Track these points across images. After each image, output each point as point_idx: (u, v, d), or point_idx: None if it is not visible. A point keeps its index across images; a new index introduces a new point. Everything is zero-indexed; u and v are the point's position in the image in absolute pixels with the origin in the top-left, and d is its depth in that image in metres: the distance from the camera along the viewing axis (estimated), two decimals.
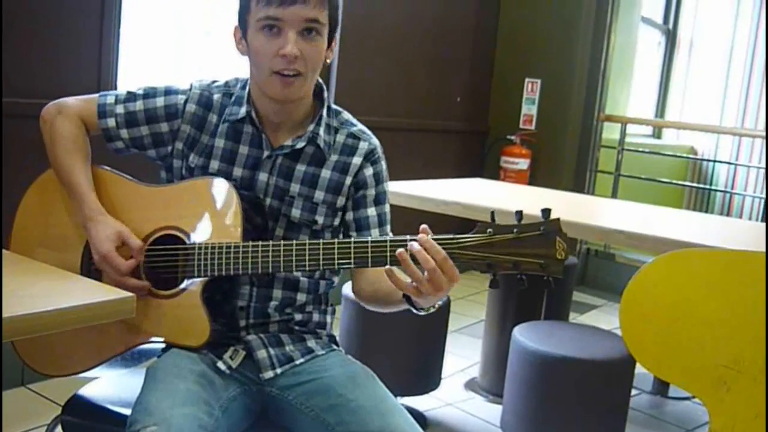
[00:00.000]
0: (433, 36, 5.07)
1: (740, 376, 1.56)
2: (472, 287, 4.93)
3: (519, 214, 1.42)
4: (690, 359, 1.62)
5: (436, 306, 1.50)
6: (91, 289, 1.37)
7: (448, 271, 1.38)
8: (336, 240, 1.48)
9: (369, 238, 1.46)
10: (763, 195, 6.83)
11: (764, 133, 6.86)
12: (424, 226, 1.42)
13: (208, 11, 3.78)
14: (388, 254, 1.43)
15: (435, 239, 1.40)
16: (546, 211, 1.41)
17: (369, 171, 1.70)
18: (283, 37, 1.53)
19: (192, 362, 1.54)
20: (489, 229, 1.40)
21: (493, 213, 1.44)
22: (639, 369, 2.41)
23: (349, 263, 1.46)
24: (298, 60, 1.54)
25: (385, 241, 1.44)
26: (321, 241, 1.48)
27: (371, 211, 1.70)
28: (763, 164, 7.16)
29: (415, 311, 1.52)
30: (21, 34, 2.87)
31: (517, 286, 1.41)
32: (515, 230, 1.39)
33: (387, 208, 1.74)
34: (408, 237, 1.42)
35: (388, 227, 1.73)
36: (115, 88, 3.14)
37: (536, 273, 1.40)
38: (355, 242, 1.46)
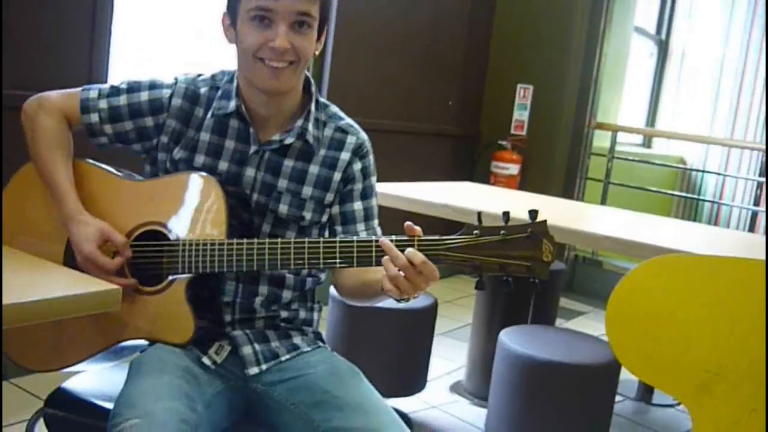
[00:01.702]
0: (426, 39, 5.08)
1: (723, 381, 1.57)
2: (459, 291, 4.93)
3: (506, 215, 1.41)
4: (674, 364, 1.63)
5: (416, 296, 1.49)
6: (77, 280, 1.36)
7: (428, 274, 1.38)
8: (322, 239, 1.46)
9: (354, 238, 1.45)
10: (751, 205, 6.87)
11: (754, 145, 6.91)
12: (408, 223, 1.41)
13: (201, 10, 3.78)
14: (374, 254, 1.42)
15: (421, 240, 1.40)
16: (533, 213, 1.41)
17: (357, 166, 1.69)
18: (273, 29, 1.52)
19: (176, 357, 1.53)
20: (475, 231, 1.40)
21: (479, 214, 1.43)
22: (624, 375, 2.42)
23: (335, 263, 1.45)
24: (287, 52, 1.52)
25: (371, 241, 1.43)
26: (306, 239, 1.47)
27: (357, 205, 1.69)
28: (752, 175, 7.21)
29: (396, 301, 1.50)
30: (12, 26, 2.85)
31: (504, 288, 1.40)
32: (502, 232, 1.39)
33: (374, 202, 1.73)
34: (394, 237, 1.42)
35: (375, 221, 1.72)
36: (106, 83, 3.13)
37: (522, 275, 1.40)
38: (340, 242, 1.45)
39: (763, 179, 6.58)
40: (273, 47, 1.51)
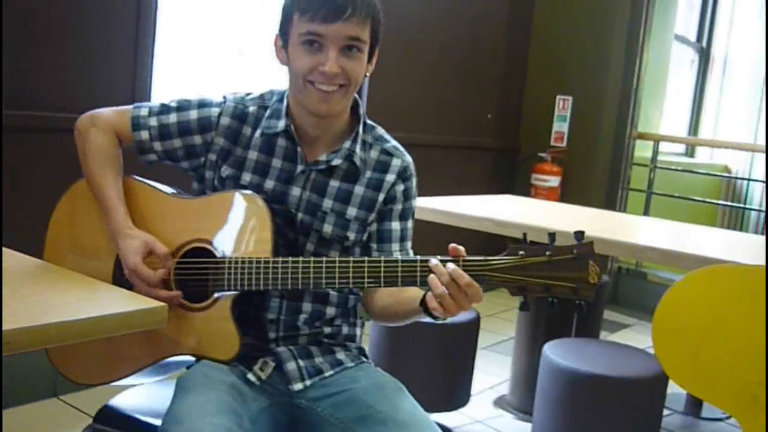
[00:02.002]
0: (464, 53, 5.08)
1: None
2: (502, 304, 4.90)
3: (552, 236, 1.40)
4: (723, 376, 1.60)
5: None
6: (124, 298, 1.38)
7: (473, 295, 1.39)
8: (366, 258, 1.47)
9: (399, 258, 1.46)
10: None
11: None
12: (452, 245, 1.42)
13: (242, 30, 3.83)
14: (419, 275, 1.43)
15: (466, 260, 1.40)
16: (579, 234, 1.40)
17: (400, 187, 1.70)
18: (324, 53, 1.53)
19: (222, 373, 1.55)
20: (521, 252, 1.39)
21: (525, 234, 1.42)
22: (671, 388, 2.38)
23: (379, 283, 1.46)
24: (337, 76, 1.54)
25: (416, 261, 1.44)
26: (351, 258, 1.48)
27: (395, 225, 1.70)
28: None
29: (432, 319, 1.50)
30: (56, 49, 2.92)
31: (549, 309, 1.40)
32: (547, 253, 1.39)
33: (410, 224, 1.74)
34: (439, 257, 1.42)
35: (409, 244, 1.73)
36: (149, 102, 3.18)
37: (568, 297, 1.39)
38: (385, 261, 1.46)
39: None
40: (323, 72, 1.53)
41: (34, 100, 2.87)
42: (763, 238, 3.00)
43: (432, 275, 1.40)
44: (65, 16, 2.92)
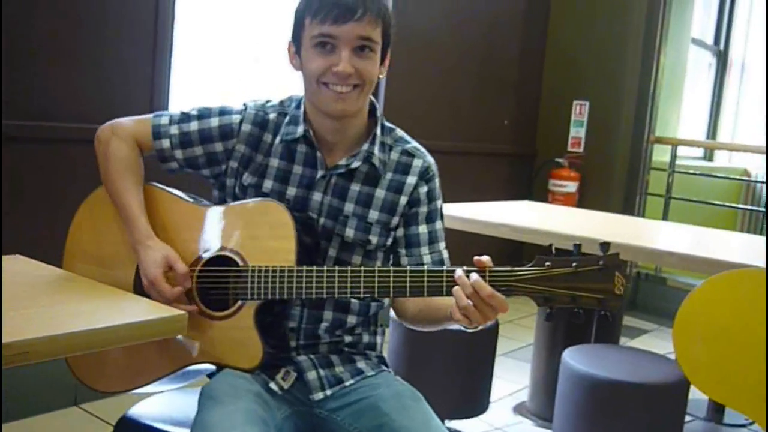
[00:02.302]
0: (480, 59, 5.08)
1: None
2: (520, 311, 4.88)
3: (577, 247, 1.41)
4: (746, 381, 1.58)
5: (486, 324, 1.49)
6: (144, 307, 1.39)
7: (498, 305, 1.39)
8: (392, 268, 1.47)
9: (425, 268, 1.46)
10: None
11: None
12: (476, 258, 1.42)
13: (258, 38, 3.84)
14: (444, 284, 1.43)
15: (493, 271, 1.40)
16: (605, 245, 1.39)
17: (423, 189, 1.69)
18: (336, 54, 1.54)
19: (247, 382, 1.55)
20: (547, 262, 1.40)
21: (551, 246, 1.43)
22: (693, 394, 2.36)
23: (404, 292, 1.46)
24: (351, 76, 1.54)
25: (442, 271, 1.44)
26: (376, 268, 1.48)
27: (422, 229, 1.69)
28: None
29: (463, 328, 1.50)
30: (74, 61, 2.95)
31: (575, 320, 1.39)
32: (574, 264, 1.39)
33: (439, 225, 1.72)
34: (464, 268, 1.42)
35: (441, 244, 1.72)
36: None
37: (594, 308, 1.40)
38: (411, 271, 1.46)
39: None
40: (336, 72, 1.54)
41: (56, 112, 2.90)
42: None
43: (456, 287, 1.40)
44: (85, 28, 2.95)
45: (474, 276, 1.39)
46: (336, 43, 1.54)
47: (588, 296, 1.38)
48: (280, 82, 3.74)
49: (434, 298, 1.55)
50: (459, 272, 1.41)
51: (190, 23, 3.45)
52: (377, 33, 1.56)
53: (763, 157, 7.24)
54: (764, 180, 7.33)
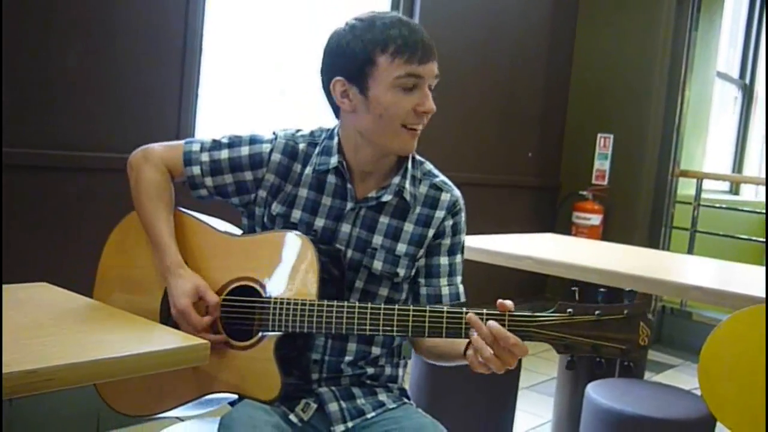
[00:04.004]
0: (505, 91, 5.09)
1: None
2: (543, 344, 4.84)
3: (602, 294, 1.39)
4: None
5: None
6: (167, 336, 1.40)
7: (518, 352, 1.38)
8: (411, 307, 1.46)
9: (444, 308, 1.45)
10: None
11: None
12: (500, 301, 1.40)
13: (284, 70, 3.89)
14: (463, 328, 1.42)
15: (512, 316, 1.39)
16: (632, 294, 1.38)
17: (449, 222, 1.70)
18: (418, 92, 1.56)
19: (266, 413, 1.54)
20: (569, 309, 1.38)
21: (576, 291, 1.41)
22: (719, 430, 2.32)
23: (423, 332, 1.45)
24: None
25: (461, 313, 1.42)
26: (396, 307, 1.47)
27: (443, 260, 1.70)
28: None
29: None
30: (103, 92, 3.00)
31: (596, 370, 1.37)
32: (597, 312, 1.37)
33: (459, 259, 1.73)
34: (485, 311, 1.41)
35: (458, 278, 1.72)
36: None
37: (615, 357, 1.37)
38: (430, 311, 1.45)
39: None
40: (425, 111, 1.57)
41: (84, 141, 2.95)
42: None
43: (476, 336, 1.39)
44: (115, 59, 3.00)
45: (495, 324, 1.37)
46: (420, 82, 1.56)
47: (610, 346, 1.36)
48: (305, 114, 3.78)
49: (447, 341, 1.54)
50: (475, 318, 1.39)
51: (218, 54, 3.50)
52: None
53: None
54: None
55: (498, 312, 1.40)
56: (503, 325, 1.38)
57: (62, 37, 2.84)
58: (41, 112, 2.82)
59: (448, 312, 1.44)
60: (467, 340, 1.45)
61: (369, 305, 1.48)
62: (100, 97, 2.98)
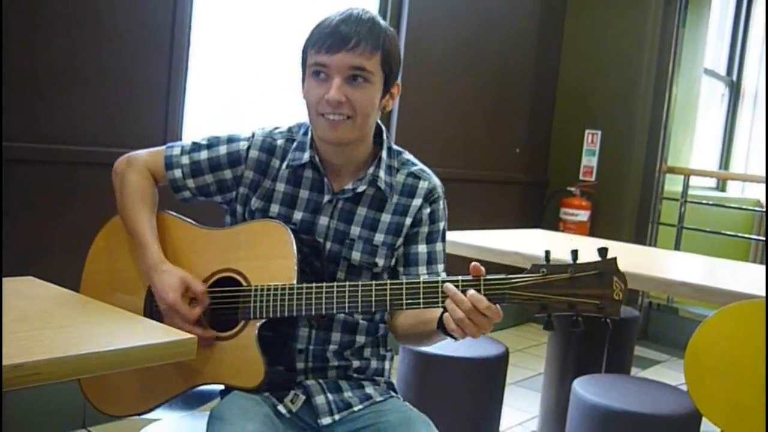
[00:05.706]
0: (492, 87, 5.10)
1: None
2: (530, 339, 4.86)
3: (575, 253, 1.40)
4: (758, 413, 1.57)
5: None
6: (154, 330, 1.39)
7: (492, 315, 1.40)
8: (389, 281, 1.49)
9: (421, 280, 1.47)
10: None
11: None
12: (474, 264, 1.42)
13: (273, 66, 3.87)
14: (440, 296, 1.44)
15: (487, 279, 1.41)
16: (603, 251, 1.39)
17: (427, 210, 1.71)
18: (329, 82, 1.57)
19: (256, 404, 1.55)
20: (542, 269, 1.39)
21: (547, 253, 1.42)
22: (704, 426, 2.34)
23: (401, 304, 1.47)
24: (343, 105, 1.57)
25: (437, 282, 1.44)
26: (373, 282, 1.50)
27: (421, 248, 1.71)
28: None
29: (452, 339, 1.50)
30: (90, 85, 2.98)
31: (575, 329, 1.39)
32: (570, 270, 1.38)
33: (439, 247, 1.74)
34: (460, 278, 1.43)
35: (440, 266, 1.73)
36: (181, 139, 3.24)
37: (593, 314, 1.38)
38: (407, 284, 1.47)
39: None
40: (327, 99, 1.56)
41: (72, 135, 2.93)
42: None
43: (449, 301, 1.41)
44: (101, 53, 2.98)
45: (470, 290, 1.40)
46: (329, 72, 1.57)
47: (585, 302, 1.37)
48: (294, 110, 3.77)
49: (426, 313, 1.56)
50: (453, 289, 1.41)
51: (206, 49, 3.48)
52: (372, 63, 1.57)
53: None
54: None
55: (473, 277, 1.42)
56: (479, 291, 1.40)
57: (47, 30, 2.82)
58: (26, 105, 2.80)
59: (424, 282, 1.46)
60: (437, 319, 1.48)
61: (347, 284, 1.51)
62: (87, 90, 2.96)
